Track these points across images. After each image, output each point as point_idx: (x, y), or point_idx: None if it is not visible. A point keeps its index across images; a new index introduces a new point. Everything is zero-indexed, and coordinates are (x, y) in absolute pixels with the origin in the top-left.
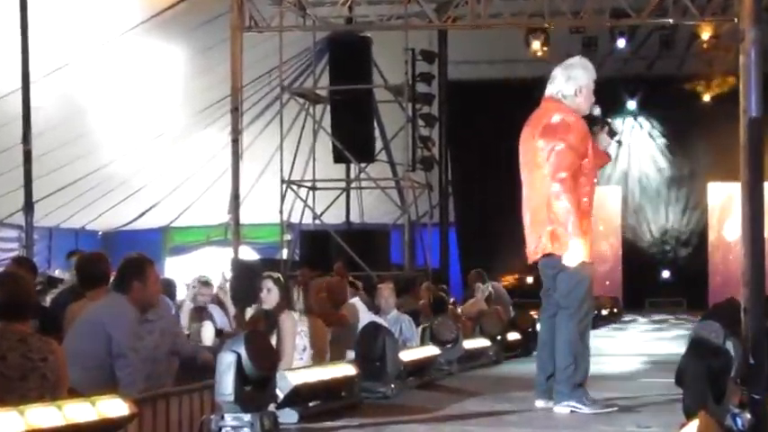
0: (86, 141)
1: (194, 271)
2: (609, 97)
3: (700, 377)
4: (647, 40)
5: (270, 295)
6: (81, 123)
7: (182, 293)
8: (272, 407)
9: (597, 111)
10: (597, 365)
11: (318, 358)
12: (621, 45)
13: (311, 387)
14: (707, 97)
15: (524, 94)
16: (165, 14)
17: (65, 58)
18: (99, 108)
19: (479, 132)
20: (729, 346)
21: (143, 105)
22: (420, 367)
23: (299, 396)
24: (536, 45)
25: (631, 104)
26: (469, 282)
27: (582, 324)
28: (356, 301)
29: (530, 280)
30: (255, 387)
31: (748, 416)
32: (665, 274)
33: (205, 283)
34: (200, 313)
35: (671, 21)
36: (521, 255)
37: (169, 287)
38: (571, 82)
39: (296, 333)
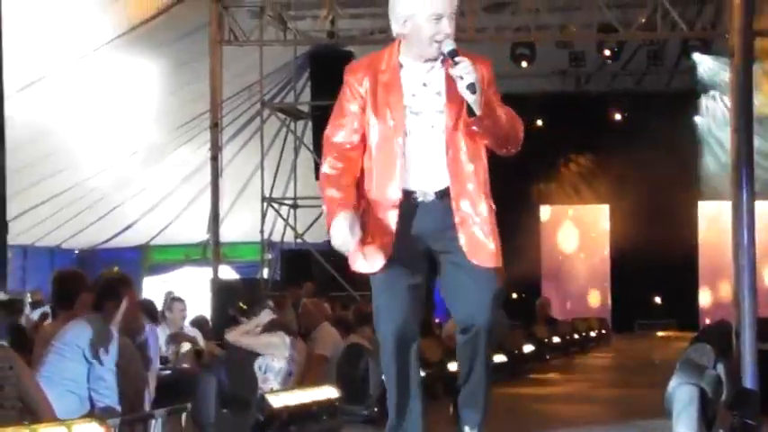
0: (62, 158)
1: (173, 289)
2: (600, 113)
3: (690, 402)
4: (636, 54)
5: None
6: (56, 139)
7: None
8: (252, 430)
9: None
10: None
11: (301, 383)
12: (608, 55)
13: (291, 410)
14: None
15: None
16: (141, 28)
17: (39, 73)
18: (75, 124)
19: None
20: (720, 369)
21: (120, 121)
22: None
23: (279, 419)
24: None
25: (619, 119)
26: None
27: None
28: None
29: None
30: (236, 410)
31: None
32: (656, 297)
33: (178, 300)
34: (176, 336)
35: (659, 36)
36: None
37: (150, 308)
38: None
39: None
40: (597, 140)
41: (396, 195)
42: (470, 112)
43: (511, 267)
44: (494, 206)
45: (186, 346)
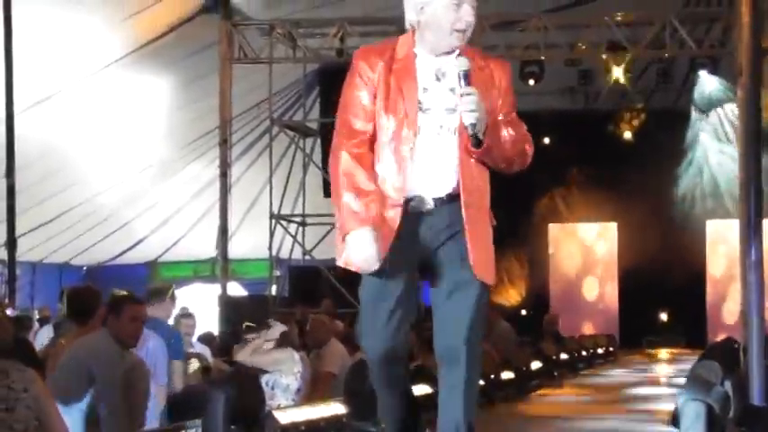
0: (71, 174)
1: (181, 305)
2: (608, 131)
3: (698, 418)
4: (645, 72)
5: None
6: (65, 155)
7: None
8: None
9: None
10: None
11: (309, 399)
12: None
13: (299, 426)
14: None
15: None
16: (151, 46)
17: (49, 90)
18: (84, 140)
19: None
20: (727, 386)
21: (129, 137)
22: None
23: None
24: (529, 80)
25: (628, 136)
26: None
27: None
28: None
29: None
30: (244, 427)
31: None
32: (664, 314)
33: (187, 316)
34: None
35: (667, 54)
36: (508, 292)
37: None
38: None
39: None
40: (606, 158)
41: (400, 197)
42: (473, 140)
43: (520, 284)
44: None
45: (195, 363)
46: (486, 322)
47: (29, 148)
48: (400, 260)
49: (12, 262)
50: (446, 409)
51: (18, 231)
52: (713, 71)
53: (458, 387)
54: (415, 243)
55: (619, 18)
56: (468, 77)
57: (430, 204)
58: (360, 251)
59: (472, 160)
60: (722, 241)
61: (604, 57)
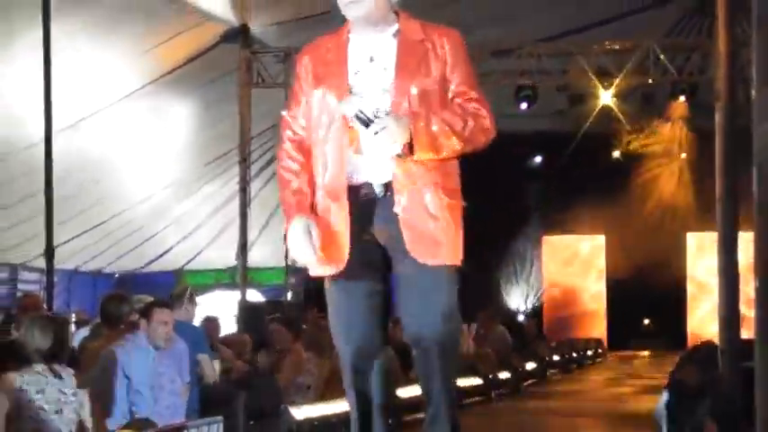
0: (103, 190)
1: (205, 311)
2: (597, 151)
3: (677, 416)
4: (631, 95)
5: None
6: (99, 174)
7: None
8: None
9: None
10: None
11: (323, 396)
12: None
13: (313, 422)
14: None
15: (515, 148)
16: (177, 72)
17: (84, 113)
18: (116, 159)
19: (472, 188)
20: (706, 386)
21: (156, 157)
22: (416, 404)
23: (301, 431)
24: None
25: (618, 155)
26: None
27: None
28: None
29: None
30: (263, 422)
31: None
32: (647, 319)
33: (211, 320)
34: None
35: (650, 80)
36: (508, 303)
37: None
38: None
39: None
40: (594, 176)
41: (341, 190)
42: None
43: (516, 291)
44: (455, 201)
45: (217, 364)
46: (452, 297)
47: (66, 166)
48: (358, 254)
49: (50, 270)
50: (424, 388)
51: (55, 242)
52: (692, 96)
53: (431, 371)
54: (370, 232)
55: (606, 47)
56: (363, 118)
57: (377, 190)
58: (295, 243)
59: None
60: (701, 253)
61: (593, 82)
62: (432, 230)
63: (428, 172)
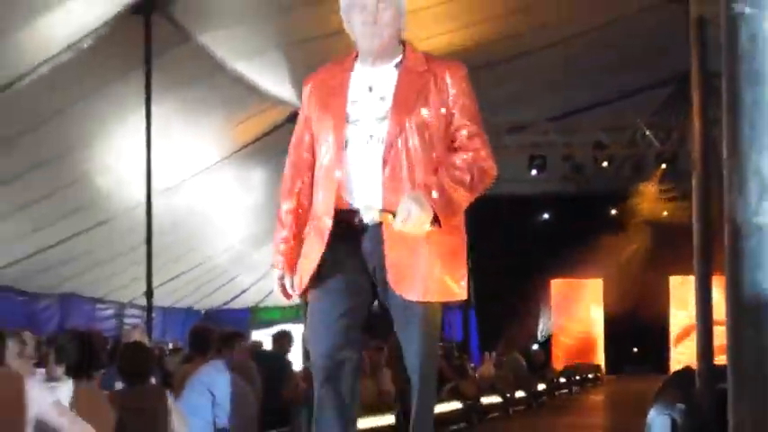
0: (193, 241)
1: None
2: (595, 208)
3: (664, 428)
4: (624, 163)
5: None
6: (189, 228)
7: None
8: None
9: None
10: None
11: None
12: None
13: None
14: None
15: (528, 206)
16: (253, 145)
17: (178, 179)
18: (203, 216)
19: (493, 239)
20: (687, 403)
21: (236, 214)
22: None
23: None
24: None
25: (614, 213)
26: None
27: None
28: None
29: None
30: None
31: None
32: (636, 348)
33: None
34: None
35: (639, 151)
36: (523, 333)
37: (258, 348)
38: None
39: None
40: (594, 229)
41: (329, 215)
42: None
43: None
44: (451, 231)
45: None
46: (430, 334)
47: (164, 222)
48: (341, 274)
49: (149, 307)
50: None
51: (154, 284)
52: (673, 164)
53: (416, 404)
54: (357, 257)
55: (603, 124)
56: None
57: (368, 217)
58: (276, 291)
59: (405, 170)
60: (681, 293)
61: (592, 153)
62: (414, 267)
63: None
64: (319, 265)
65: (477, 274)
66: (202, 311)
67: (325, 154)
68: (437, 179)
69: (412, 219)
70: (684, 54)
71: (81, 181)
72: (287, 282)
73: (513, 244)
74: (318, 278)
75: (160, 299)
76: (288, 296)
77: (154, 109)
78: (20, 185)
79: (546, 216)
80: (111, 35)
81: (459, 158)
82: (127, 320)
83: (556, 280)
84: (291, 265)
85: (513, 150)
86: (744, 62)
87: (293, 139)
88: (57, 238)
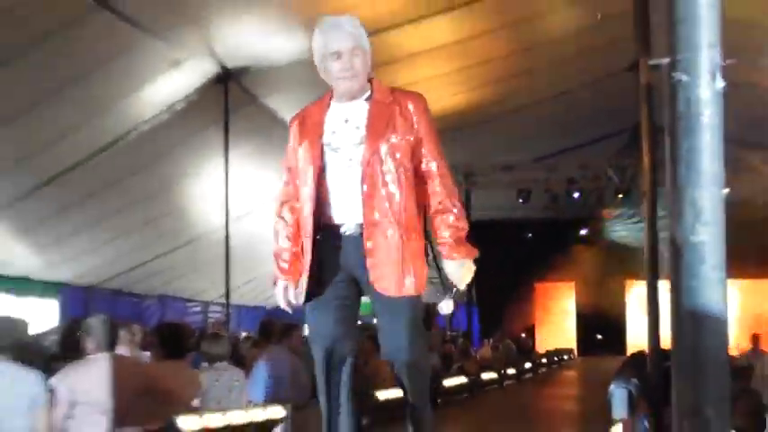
0: (260, 254)
1: None
2: (569, 229)
3: (622, 398)
4: (591, 195)
5: None
6: (258, 244)
7: None
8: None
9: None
10: None
11: None
12: (576, 196)
13: (393, 403)
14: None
15: (516, 228)
16: None
17: (249, 208)
18: (267, 235)
19: (491, 253)
20: (640, 378)
21: None
22: (452, 391)
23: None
24: (521, 200)
25: (584, 232)
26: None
27: None
28: None
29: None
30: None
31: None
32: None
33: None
34: None
35: (602, 185)
36: (514, 324)
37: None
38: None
39: None
40: (568, 245)
41: (314, 230)
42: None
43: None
44: (415, 238)
45: None
46: (414, 324)
47: (237, 240)
48: (332, 282)
49: (227, 305)
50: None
51: (231, 286)
52: (627, 195)
53: (404, 386)
54: (342, 266)
55: (576, 162)
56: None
57: (351, 230)
58: (279, 298)
59: (381, 186)
60: (636, 294)
61: (567, 186)
62: (392, 264)
63: (392, 210)
64: (313, 273)
65: (480, 279)
66: (266, 307)
67: (310, 177)
68: (448, 229)
69: (463, 282)
70: (637, 111)
71: (174, 212)
72: (290, 292)
73: (506, 256)
74: (313, 284)
75: (237, 298)
76: (290, 306)
77: (230, 153)
78: (127, 215)
79: (530, 235)
80: (198, 99)
81: (438, 194)
82: (210, 315)
83: (539, 283)
84: (296, 276)
85: (504, 185)
86: (681, 119)
87: (284, 166)
88: (156, 253)
